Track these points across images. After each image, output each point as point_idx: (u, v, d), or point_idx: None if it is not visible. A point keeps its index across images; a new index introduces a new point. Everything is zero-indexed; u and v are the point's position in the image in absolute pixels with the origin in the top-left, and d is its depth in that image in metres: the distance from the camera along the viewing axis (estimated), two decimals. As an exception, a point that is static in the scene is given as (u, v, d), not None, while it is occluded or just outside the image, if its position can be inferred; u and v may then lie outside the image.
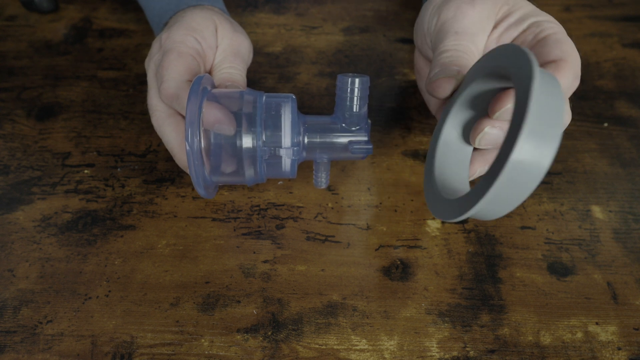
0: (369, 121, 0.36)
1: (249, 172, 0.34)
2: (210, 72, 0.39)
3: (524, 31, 0.32)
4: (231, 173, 0.34)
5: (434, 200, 0.31)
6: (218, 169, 0.34)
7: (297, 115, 0.35)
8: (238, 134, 0.33)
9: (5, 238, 0.37)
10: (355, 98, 0.34)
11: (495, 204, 0.25)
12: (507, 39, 0.33)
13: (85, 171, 0.41)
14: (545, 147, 0.23)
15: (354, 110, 0.34)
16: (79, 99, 0.47)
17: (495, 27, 0.33)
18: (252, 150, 0.33)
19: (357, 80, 0.34)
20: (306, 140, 0.35)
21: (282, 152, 0.34)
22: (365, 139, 0.36)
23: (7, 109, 0.46)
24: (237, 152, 0.33)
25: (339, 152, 0.36)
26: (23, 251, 0.36)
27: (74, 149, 0.43)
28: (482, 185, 0.25)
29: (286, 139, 0.34)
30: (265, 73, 0.49)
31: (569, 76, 0.29)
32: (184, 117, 0.38)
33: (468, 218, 0.39)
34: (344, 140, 0.35)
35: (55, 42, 0.52)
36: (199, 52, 0.37)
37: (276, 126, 0.34)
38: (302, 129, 0.35)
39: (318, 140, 0.35)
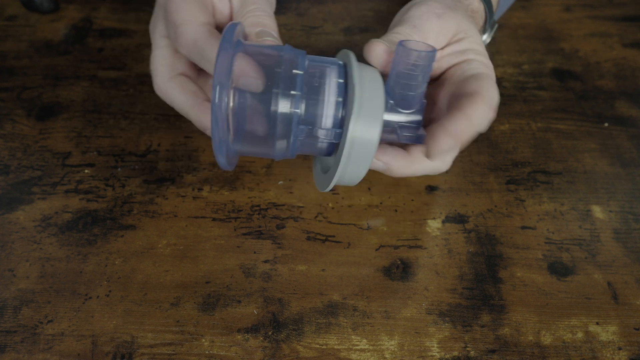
0: (425, 101, 0.31)
1: (279, 146, 0.29)
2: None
3: (457, 64, 0.34)
4: (258, 145, 0.30)
5: (316, 175, 0.36)
6: (244, 137, 0.29)
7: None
8: (272, 101, 0.28)
9: (6, 238, 0.37)
10: (417, 75, 0.29)
11: (347, 174, 0.30)
12: (446, 61, 0.34)
13: (86, 171, 0.41)
14: (371, 126, 0.28)
15: (412, 90, 0.29)
16: (79, 99, 0.47)
17: (445, 46, 0.34)
18: (287, 125, 0.28)
19: (424, 54, 0.28)
20: None
21: (321, 133, 0.29)
22: (419, 120, 0.30)
23: (7, 108, 0.46)
24: (271, 125, 0.28)
25: (385, 134, 0.31)
26: (23, 251, 0.36)
27: (74, 149, 0.43)
28: (335, 162, 0.30)
29: (327, 119, 0.29)
30: (266, 73, 0.49)
31: (481, 106, 0.29)
32: (189, 75, 0.34)
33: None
34: (394, 119, 0.30)
35: (55, 42, 0.52)
36: None
37: (317, 101, 0.29)
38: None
39: None
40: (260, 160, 0.42)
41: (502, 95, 0.49)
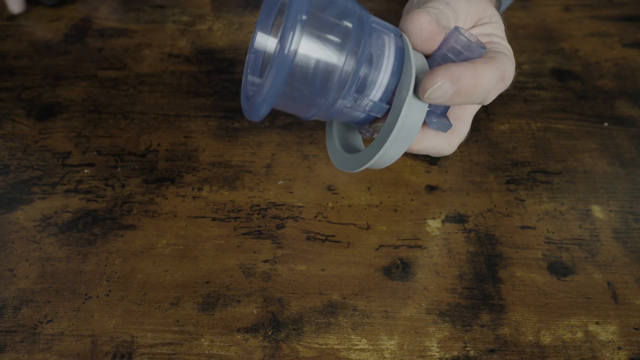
0: None
1: (327, 105, 0.27)
2: None
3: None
4: (301, 101, 0.27)
5: (334, 155, 0.34)
6: (291, 91, 0.27)
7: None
8: (337, 56, 0.25)
9: (6, 238, 0.37)
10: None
11: (386, 156, 0.29)
12: None
13: (86, 171, 0.41)
14: (420, 108, 0.28)
15: None
16: (79, 99, 0.47)
17: (471, 27, 0.34)
18: (342, 85, 0.26)
19: (474, 47, 0.27)
20: None
21: (367, 103, 0.28)
22: (446, 107, 0.30)
23: (7, 108, 0.46)
24: (326, 82, 0.26)
25: None
26: (23, 251, 0.36)
27: (74, 149, 0.43)
28: (376, 142, 0.29)
29: (379, 90, 0.27)
30: (266, 73, 0.49)
31: (491, 67, 0.29)
32: None
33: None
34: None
35: (55, 42, 0.52)
36: None
37: (374, 68, 0.27)
38: None
39: None
40: (260, 160, 0.42)
41: (501, 95, 0.49)
